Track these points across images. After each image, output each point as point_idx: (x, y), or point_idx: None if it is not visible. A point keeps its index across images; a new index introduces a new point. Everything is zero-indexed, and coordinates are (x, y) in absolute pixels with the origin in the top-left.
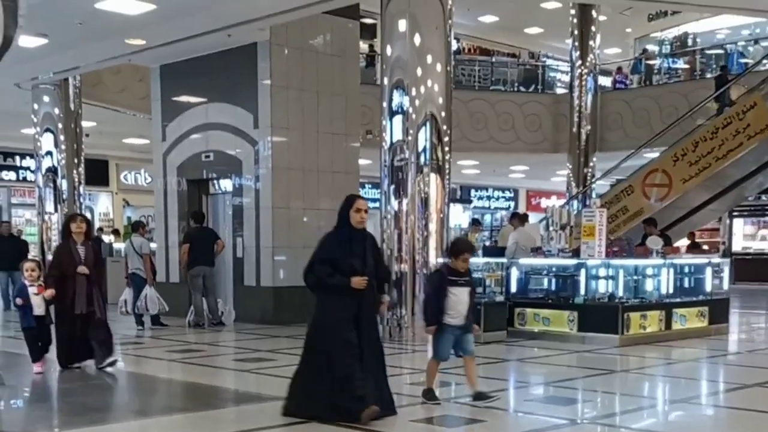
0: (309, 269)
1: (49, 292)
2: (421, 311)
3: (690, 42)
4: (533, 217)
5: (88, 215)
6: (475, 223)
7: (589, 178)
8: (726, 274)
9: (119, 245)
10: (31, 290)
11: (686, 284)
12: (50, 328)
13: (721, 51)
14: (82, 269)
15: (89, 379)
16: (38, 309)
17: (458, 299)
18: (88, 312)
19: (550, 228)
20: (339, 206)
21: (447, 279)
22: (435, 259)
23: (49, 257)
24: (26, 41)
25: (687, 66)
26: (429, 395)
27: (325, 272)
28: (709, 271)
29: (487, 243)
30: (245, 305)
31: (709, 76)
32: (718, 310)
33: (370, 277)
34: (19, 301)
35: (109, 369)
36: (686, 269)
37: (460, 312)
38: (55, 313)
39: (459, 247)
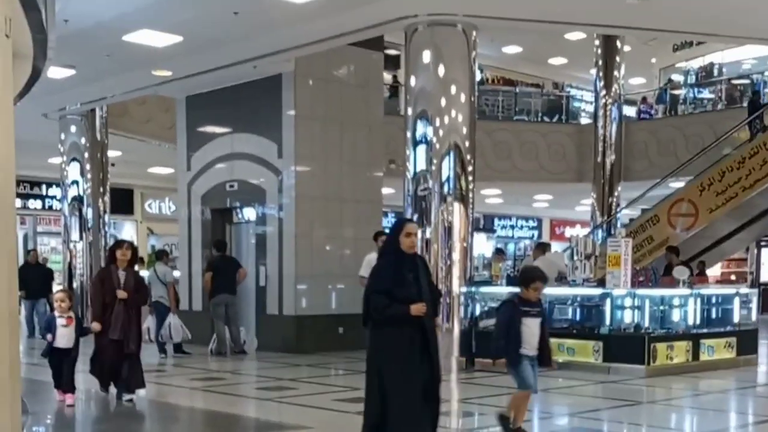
0: (366, 303)
1: (96, 326)
2: (493, 343)
3: (716, 72)
4: (558, 246)
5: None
6: (499, 252)
7: (614, 207)
8: (754, 304)
9: (143, 273)
10: (60, 322)
11: (714, 314)
12: (75, 360)
13: (747, 81)
14: (121, 294)
15: (112, 407)
16: (63, 340)
17: (530, 331)
18: (121, 339)
19: (575, 257)
20: (388, 231)
21: (519, 310)
22: (459, 288)
23: (75, 284)
24: (54, 72)
25: (713, 96)
26: None
27: (383, 303)
28: (737, 301)
29: (511, 273)
30: (267, 334)
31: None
32: (746, 341)
33: (427, 303)
34: (50, 337)
35: (126, 403)
36: (714, 299)
37: (532, 344)
38: (94, 336)
39: (530, 275)
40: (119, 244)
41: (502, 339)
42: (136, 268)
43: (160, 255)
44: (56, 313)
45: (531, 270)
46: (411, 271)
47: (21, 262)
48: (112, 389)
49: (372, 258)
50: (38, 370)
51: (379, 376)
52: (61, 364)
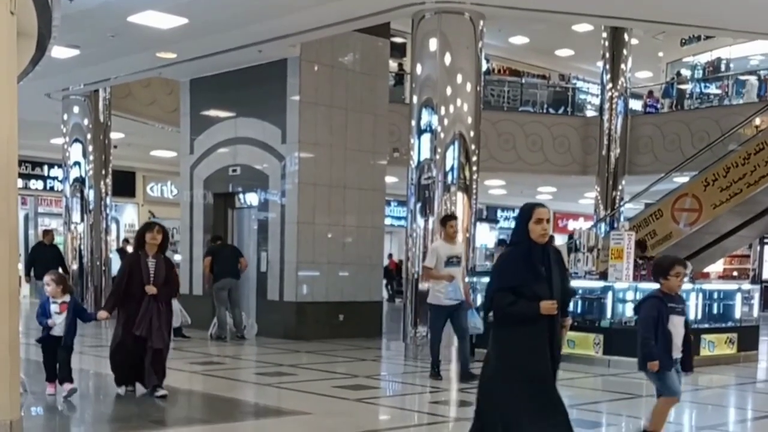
0: (489, 302)
1: (103, 314)
2: (641, 345)
3: (723, 67)
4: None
5: (114, 226)
6: (502, 243)
7: (617, 201)
8: (756, 300)
9: None
10: (53, 308)
11: (715, 310)
12: (71, 349)
13: (754, 77)
14: (151, 289)
15: (111, 390)
16: (56, 328)
17: (676, 331)
18: (146, 336)
19: (578, 250)
20: (516, 218)
21: (666, 306)
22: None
23: (74, 267)
24: (58, 52)
25: (719, 91)
26: None
27: (507, 301)
28: (738, 297)
29: None
30: (268, 319)
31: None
32: (747, 337)
33: (558, 300)
34: (50, 322)
35: (159, 400)
36: (715, 295)
37: (678, 346)
38: (115, 331)
39: (667, 262)
40: (149, 226)
41: (652, 339)
42: (130, 249)
43: None
44: (49, 298)
45: (665, 257)
46: (542, 263)
47: (23, 242)
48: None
49: (437, 246)
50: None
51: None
52: (55, 353)
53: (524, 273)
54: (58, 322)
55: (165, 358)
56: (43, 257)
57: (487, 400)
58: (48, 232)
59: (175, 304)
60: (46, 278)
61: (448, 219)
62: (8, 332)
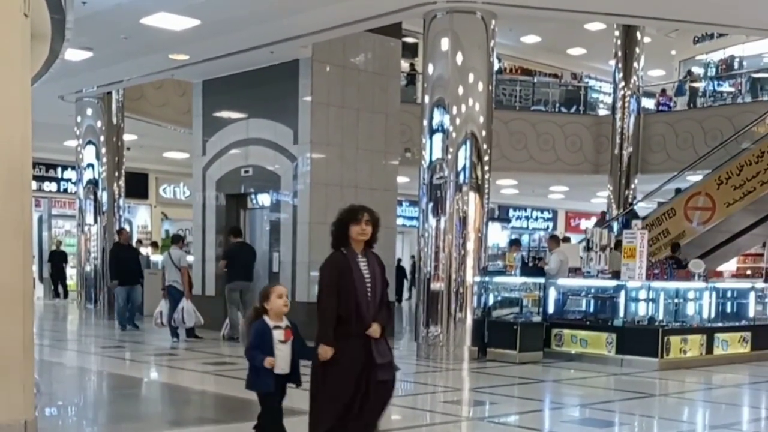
0: None
1: (326, 351)
2: None
3: (736, 65)
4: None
5: (127, 228)
6: (514, 243)
7: (630, 199)
8: None
9: (157, 258)
10: (277, 335)
11: (728, 309)
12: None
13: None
14: (373, 330)
15: (125, 389)
16: (283, 364)
17: None
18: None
19: (590, 249)
20: None
21: None
22: (472, 278)
23: (87, 268)
24: (72, 54)
25: (732, 89)
26: None
27: None
28: (752, 296)
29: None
30: None
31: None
32: (761, 336)
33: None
34: (268, 362)
35: None
36: (729, 294)
37: None
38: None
39: None
40: (353, 213)
41: None
42: (143, 250)
43: (176, 239)
44: (268, 321)
45: None
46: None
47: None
48: None
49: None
50: (52, 353)
51: None
52: (281, 398)
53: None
54: (284, 356)
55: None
56: (122, 260)
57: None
58: (122, 231)
59: (189, 304)
60: (283, 289)
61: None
62: (22, 333)
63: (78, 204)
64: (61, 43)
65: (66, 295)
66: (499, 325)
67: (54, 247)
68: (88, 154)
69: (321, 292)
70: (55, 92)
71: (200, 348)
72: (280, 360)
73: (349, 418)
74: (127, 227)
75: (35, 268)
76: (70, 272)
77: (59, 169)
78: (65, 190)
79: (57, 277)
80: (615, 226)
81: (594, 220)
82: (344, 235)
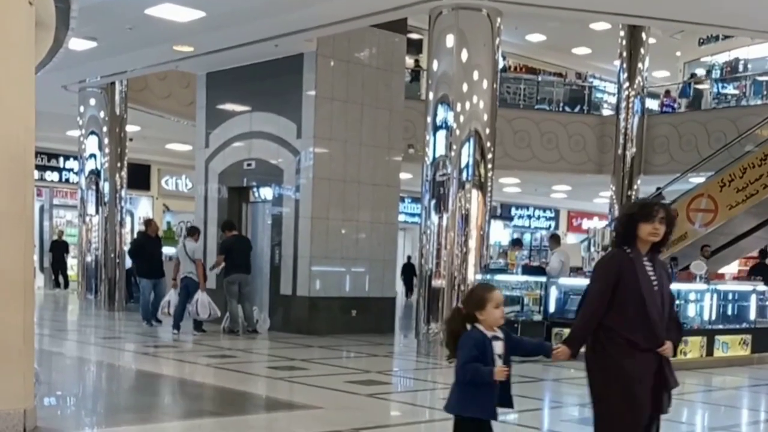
0: None
1: (563, 352)
2: None
3: (741, 68)
4: (575, 238)
5: (128, 219)
6: (516, 243)
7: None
8: None
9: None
10: (496, 348)
11: (729, 311)
12: None
13: None
14: (667, 349)
15: (124, 381)
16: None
17: None
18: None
19: (592, 249)
20: None
21: None
22: (474, 275)
23: (88, 259)
24: (76, 44)
25: (737, 91)
26: None
27: None
28: (753, 298)
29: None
30: (280, 314)
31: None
32: (762, 339)
33: None
34: (500, 372)
35: None
36: (730, 296)
37: None
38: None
39: None
40: (647, 209)
41: None
42: (189, 244)
43: (192, 231)
44: (484, 330)
45: None
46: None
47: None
48: None
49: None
50: (52, 342)
51: None
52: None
53: None
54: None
55: None
56: (149, 252)
57: None
58: (151, 222)
59: (204, 296)
60: (499, 297)
61: None
62: (23, 322)
63: (80, 194)
64: (66, 32)
65: (66, 285)
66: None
67: (55, 237)
68: (91, 145)
69: (589, 293)
70: (58, 82)
71: (201, 341)
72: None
73: None
74: (153, 218)
75: (36, 257)
76: (71, 262)
77: (61, 159)
78: (67, 180)
79: (58, 267)
80: None
81: (596, 220)
82: (631, 234)
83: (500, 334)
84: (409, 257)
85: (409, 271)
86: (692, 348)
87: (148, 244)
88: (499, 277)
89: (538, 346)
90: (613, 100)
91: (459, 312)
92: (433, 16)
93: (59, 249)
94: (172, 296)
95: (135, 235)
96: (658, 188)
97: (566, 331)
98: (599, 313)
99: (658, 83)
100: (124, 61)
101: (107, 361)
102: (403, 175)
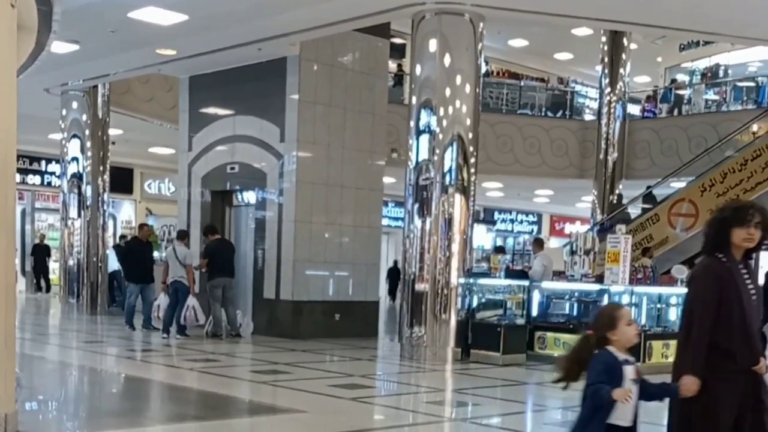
0: None
1: (693, 383)
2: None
3: (721, 73)
4: (557, 242)
5: (111, 223)
6: (499, 250)
7: (614, 204)
8: None
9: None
10: (628, 371)
11: None
12: None
13: (752, 83)
14: (762, 367)
15: (106, 385)
16: (629, 414)
17: None
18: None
19: (575, 253)
20: None
21: None
22: (457, 279)
23: (70, 263)
24: (58, 47)
25: (717, 97)
26: None
27: None
28: None
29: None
30: (264, 318)
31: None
32: None
33: None
34: (623, 393)
35: None
36: None
37: None
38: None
39: None
40: (742, 212)
41: None
42: (179, 248)
43: (181, 235)
44: (616, 353)
45: None
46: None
47: (20, 237)
48: None
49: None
50: (34, 346)
51: None
52: None
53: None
54: (629, 403)
55: None
56: (138, 256)
57: None
58: (144, 226)
59: (196, 301)
60: (629, 314)
61: None
62: (4, 326)
63: (62, 198)
64: (48, 35)
65: (48, 289)
66: (483, 326)
67: (37, 241)
68: (73, 148)
69: (693, 310)
70: (40, 85)
71: (184, 345)
72: (628, 408)
73: None
74: (148, 223)
75: (18, 261)
76: (53, 266)
77: (43, 162)
78: (49, 184)
79: (39, 270)
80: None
81: (578, 224)
82: (724, 239)
83: (632, 358)
84: (395, 261)
85: (395, 275)
86: (674, 351)
87: (138, 248)
88: (482, 280)
89: (664, 390)
90: (595, 105)
91: (588, 337)
92: (415, 21)
93: (41, 253)
94: (162, 300)
95: (118, 240)
96: (648, 187)
97: (549, 335)
98: (708, 327)
99: (639, 88)
100: (106, 65)
101: (89, 365)
102: (387, 179)
